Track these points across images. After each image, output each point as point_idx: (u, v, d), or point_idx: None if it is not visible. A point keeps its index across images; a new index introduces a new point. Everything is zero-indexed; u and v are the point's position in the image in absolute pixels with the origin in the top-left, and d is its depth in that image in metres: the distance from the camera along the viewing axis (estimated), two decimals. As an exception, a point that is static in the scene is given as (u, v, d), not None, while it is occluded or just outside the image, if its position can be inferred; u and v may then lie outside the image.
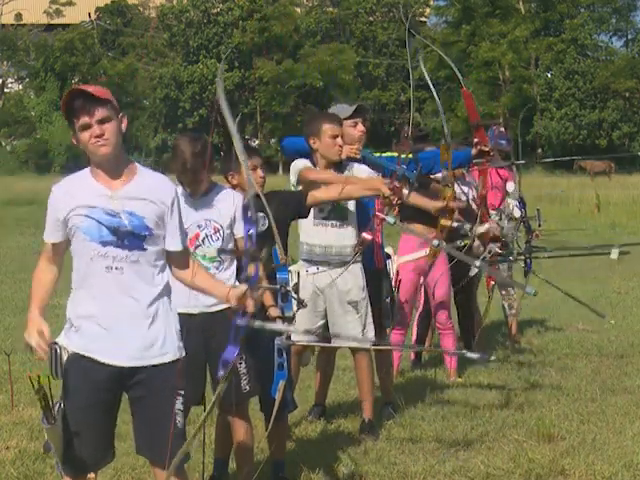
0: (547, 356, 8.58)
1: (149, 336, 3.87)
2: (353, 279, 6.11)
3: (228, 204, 4.86)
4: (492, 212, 8.17)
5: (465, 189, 8.13)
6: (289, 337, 5.09)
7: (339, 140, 5.99)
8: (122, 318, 3.84)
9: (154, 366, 3.87)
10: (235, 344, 3.78)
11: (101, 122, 3.79)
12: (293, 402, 5.35)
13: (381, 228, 6.55)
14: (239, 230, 4.77)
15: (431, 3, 60.56)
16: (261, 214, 5.08)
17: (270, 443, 5.25)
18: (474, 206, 7.93)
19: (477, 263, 6.32)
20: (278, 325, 4.53)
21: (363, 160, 6.29)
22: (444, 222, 6.68)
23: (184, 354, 3.97)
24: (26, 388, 6.79)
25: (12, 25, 61.72)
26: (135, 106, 53.66)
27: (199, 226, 4.88)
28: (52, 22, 61.82)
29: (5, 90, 62.30)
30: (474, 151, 6.82)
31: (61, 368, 3.86)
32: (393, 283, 6.71)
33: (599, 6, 56.88)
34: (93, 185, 3.86)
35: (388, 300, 6.52)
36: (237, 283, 4.03)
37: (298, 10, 59.75)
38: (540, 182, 29.86)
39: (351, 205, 6.08)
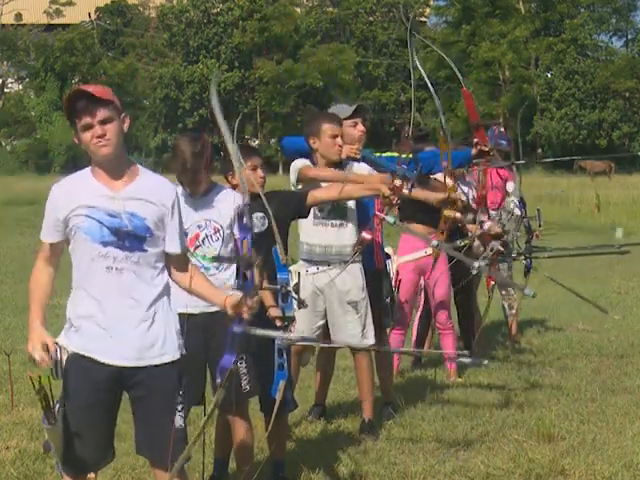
0: (547, 356, 8.59)
1: (149, 336, 3.87)
2: (353, 279, 6.11)
3: (228, 204, 4.86)
4: (492, 212, 8.17)
5: (465, 189, 8.13)
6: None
7: (339, 140, 5.99)
8: (122, 318, 3.84)
9: (154, 366, 3.87)
10: (232, 351, 3.79)
11: (103, 122, 3.79)
12: (294, 401, 5.35)
13: (381, 228, 6.55)
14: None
15: (431, 3, 60.56)
16: (261, 214, 5.09)
17: (270, 443, 5.25)
18: (474, 206, 7.93)
19: (476, 264, 6.32)
20: (275, 333, 4.53)
21: (363, 160, 6.29)
22: (447, 213, 6.69)
23: (184, 353, 3.98)
24: (26, 388, 6.79)
25: (12, 25, 61.70)
26: (135, 106, 53.64)
27: (199, 226, 4.88)
28: (52, 22, 61.80)
29: (5, 90, 62.29)
30: (474, 151, 6.82)
31: (61, 368, 3.86)
32: (393, 283, 6.72)
33: (599, 6, 56.87)
34: (94, 185, 3.86)
35: (388, 300, 6.52)
36: (236, 282, 4.03)
37: (298, 10, 59.73)
38: (540, 182, 29.84)
39: (351, 203, 6.08)
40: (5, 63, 62.47)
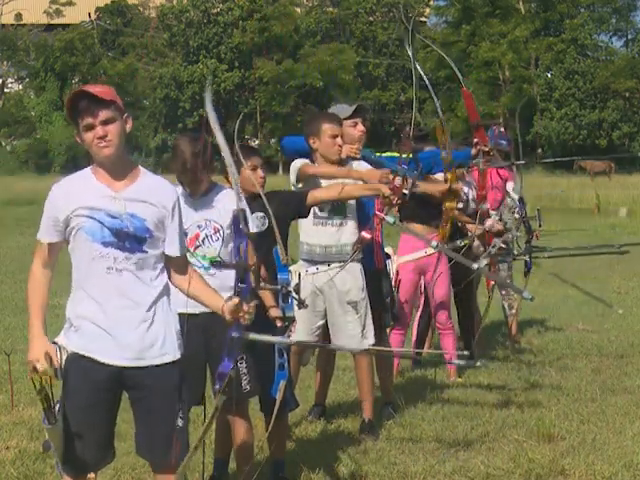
0: (547, 356, 8.58)
1: (149, 337, 3.86)
2: (353, 279, 6.10)
3: (228, 204, 4.85)
4: (492, 212, 8.17)
5: (465, 189, 8.12)
6: (289, 336, 5.09)
7: (339, 140, 5.99)
8: (122, 319, 3.83)
9: (155, 366, 3.87)
10: (230, 357, 3.79)
11: (104, 123, 3.78)
12: (294, 400, 5.35)
13: (381, 228, 6.55)
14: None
15: (431, 3, 60.60)
16: (261, 214, 5.08)
17: (270, 443, 5.24)
18: (474, 206, 7.93)
19: (475, 266, 6.32)
20: (274, 338, 4.53)
21: (363, 160, 6.28)
22: (449, 204, 6.69)
23: (184, 353, 3.98)
24: (26, 388, 6.80)
25: (12, 25, 61.75)
26: (135, 106, 53.65)
27: (199, 226, 4.88)
28: (52, 22, 61.86)
29: (5, 90, 62.33)
30: (474, 151, 6.83)
31: (61, 368, 3.86)
32: (393, 283, 6.72)
33: (599, 6, 56.90)
34: (95, 185, 3.86)
35: (388, 300, 6.52)
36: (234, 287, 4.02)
37: (298, 10, 59.77)
38: (540, 182, 29.88)
39: (351, 200, 6.07)
40: (5, 63, 62.51)
